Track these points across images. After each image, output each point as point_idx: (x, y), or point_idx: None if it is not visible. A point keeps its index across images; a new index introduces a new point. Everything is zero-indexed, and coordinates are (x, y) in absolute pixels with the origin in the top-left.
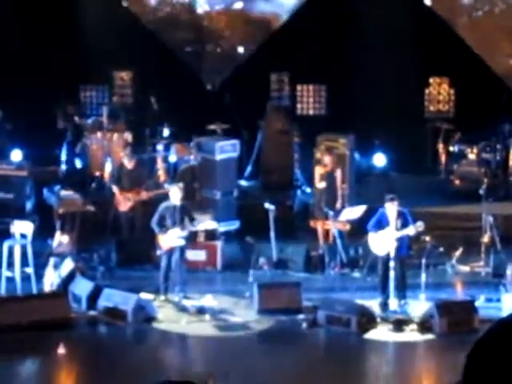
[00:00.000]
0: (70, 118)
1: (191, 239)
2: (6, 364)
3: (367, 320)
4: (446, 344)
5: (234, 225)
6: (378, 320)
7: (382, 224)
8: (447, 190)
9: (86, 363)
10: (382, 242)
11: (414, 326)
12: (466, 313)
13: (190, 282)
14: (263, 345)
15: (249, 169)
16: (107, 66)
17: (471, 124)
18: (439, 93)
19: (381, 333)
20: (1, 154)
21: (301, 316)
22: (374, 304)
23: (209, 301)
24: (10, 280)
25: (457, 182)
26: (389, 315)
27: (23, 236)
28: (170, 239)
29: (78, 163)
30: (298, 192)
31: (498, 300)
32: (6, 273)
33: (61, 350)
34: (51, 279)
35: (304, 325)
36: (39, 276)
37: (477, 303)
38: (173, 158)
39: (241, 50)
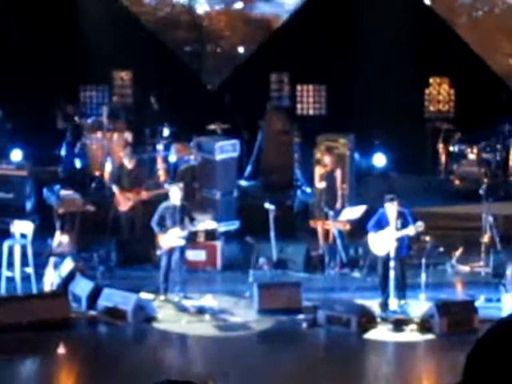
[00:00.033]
0: (70, 117)
1: (191, 239)
2: (6, 364)
3: (367, 320)
4: (446, 344)
5: (234, 225)
6: (378, 320)
7: (381, 224)
8: (447, 190)
9: (86, 363)
10: (382, 242)
11: (413, 326)
12: (465, 313)
13: (190, 282)
14: (263, 345)
15: (249, 169)
16: (107, 66)
17: (471, 124)
18: (439, 93)
19: (381, 333)
20: (1, 153)
21: (301, 316)
22: (374, 304)
23: (209, 301)
24: (10, 280)
25: (457, 182)
26: (389, 315)
27: (23, 236)
28: (170, 239)
29: (78, 163)
30: (298, 192)
31: (498, 300)
32: (5, 273)
33: (61, 350)
34: (51, 279)
35: (304, 325)
36: (39, 276)
37: (477, 303)
38: (173, 158)
39: (241, 50)
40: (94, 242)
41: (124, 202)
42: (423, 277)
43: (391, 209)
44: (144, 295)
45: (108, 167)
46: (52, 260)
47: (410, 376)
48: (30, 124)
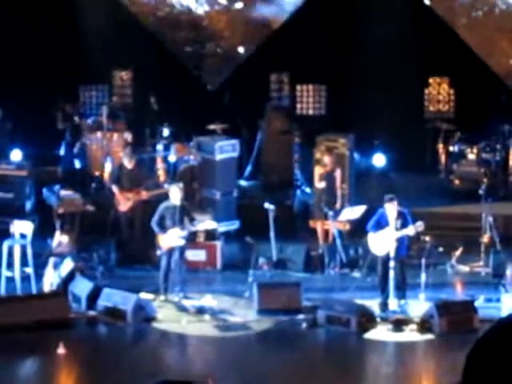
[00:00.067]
0: (69, 117)
1: (191, 239)
2: (6, 364)
3: (367, 320)
4: (446, 344)
5: (234, 225)
6: (378, 320)
7: (381, 224)
8: (447, 190)
9: (86, 363)
10: (382, 242)
11: (413, 326)
12: (465, 313)
13: (190, 282)
14: (263, 345)
15: (248, 169)
16: (107, 66)
17: (471, 124)
18: (439, 93)
19: (381, 333)
20: (1, 153)
21: (301, 316)
22: (373, 304)
23: (209, 301)
24: (10, 280)
25: (456, 182)
26: (388, 315)
27: (23, 236)
28: (169, 239)
29: (77, 163)
30: (298, 192)
31: (498, 300)
32: (5, 273)
33: (61, 350)
34: (51, 279)
35: (304, 325)
36: (39, 276)
37: (476, 303)
38: (172, 158)
39: (241, 50)
40: (93, 242)
41: (124, 202)
42: (423, 277)
43: (391, 209)
44: (144, 295)
45: (108, 167)
46: (52, 260)
47: (410, 376)
48: (30, 124)
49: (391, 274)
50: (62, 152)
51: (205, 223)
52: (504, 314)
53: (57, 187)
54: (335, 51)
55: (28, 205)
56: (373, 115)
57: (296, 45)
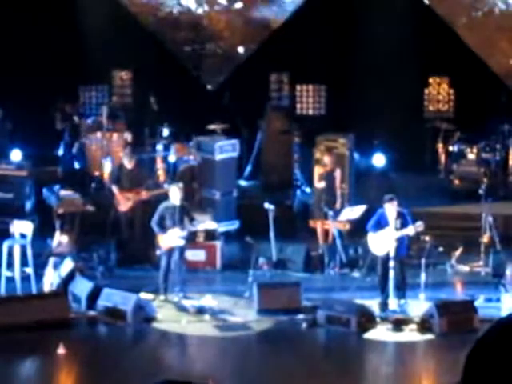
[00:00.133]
0: (68, 117)
1: (191, 239)
2: (6, 364)
3: (367, 320)
4: (446, 344)
5: (234, 225)
6: (378, 320)
7: (381, 224)
8: (447, 189)
9: (86, 363)
10: (382, 242)
11: (413, 326)
12: (465, 313)
13: (190, 282)
14: (263, 345)
15: (248, 169)
16: (107, 66)
17: (471, 124)
18: (439, 92)
19: (380, 333)
20: (1, 153)
21: (301, 316)
22: (373, 304)
23: (208, 301)
24: (10, 280)
25: (456, 181)
26: (388, 315)
27: (23, 236)
28: (169, 239)
29: (76, 163)
30: (298, 192)
31: (498, 300)
32: (5, 273)
33: (61, 350)
34: (51, 279)
35: (304, 325)
36: (39, 276)
37: (476, 303)
38: (172, 158)
39: (240, 50)
40: (93, 242)
41: (124, 202)
42: (423, 277)
43: (391, 209)
44: (144, 295)
45: (107, 167)
46: (52, 260)
47: (410, 376)
48: (30, 124)
49: (391, 273)
50: (60, 152)
51: (205, 223)
52: (504, 313)
53: (57, 187)
54: (335, 51)
55: (28, 205)
56: (373, 115)
57: (296, 45)
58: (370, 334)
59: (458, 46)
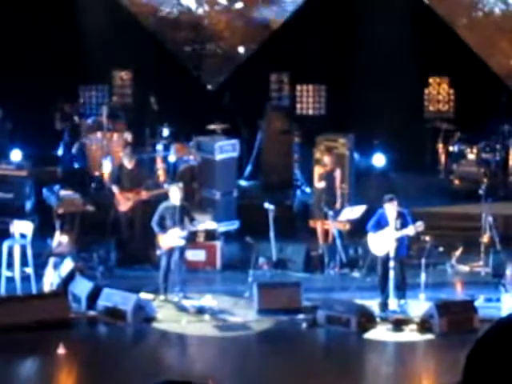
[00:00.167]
0: (68, 117)
1: (191, 239)
2: (6, 364)
3: (367, 320)
4: (446, 344)
5: (234, 225)
6: (378, 320)
7: (381, 224)
8: (447, 189)
9: (86, 363)
10: (382, 243)
11: (413, 326)
12: (465, 313)
13: (190, 282)
14: (263, 345)
15: (248, 169)
16: (107, 66)
17: (471, 124)
18: (439, 93)
19: (380, 333)
20: (1, 153)
21: (301, 316)
22: (373, 304)
23: (208, 301)
24: (10, 280)
25: (456, 181)
26: (388, 315)
27: (23, 236)
28: (170, 239)
29: (76, 163)
30: (298, 192)
31: (498, 300)
32: (5, 273)
33: (61, 350)
34: (51, 279)
35: (304, 325)
36: (39, 276)
37: (476, 303)
38: (172, 158)
39: (241, 50)
40: (93, 242)
41: (124, 202)
42: (423, 277)
43: (391, 209)
44: (144, 295)
45: (106, 167)
46: (52, 260)
47: (410, 376)
48: (30, 124)
49: (391, 273)
50: (60, 152)
51: (205, 223)
52: (504, 313)
53: (57, 187)
54: (335, 51)
55: (28, 205)
56: (373, 115)
57: (296, 45)
58: (370, 334)
59: (459, 46)
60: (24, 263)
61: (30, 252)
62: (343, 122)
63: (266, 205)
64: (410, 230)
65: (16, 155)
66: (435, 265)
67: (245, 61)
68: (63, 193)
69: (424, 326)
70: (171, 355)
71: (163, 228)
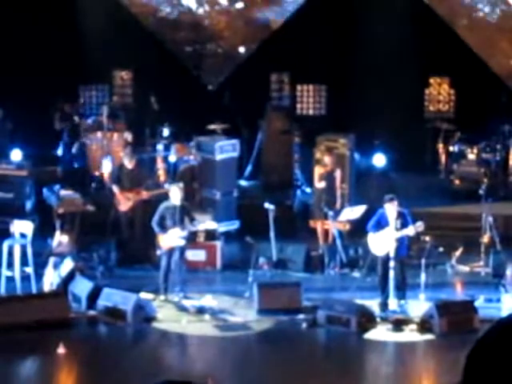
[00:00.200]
0: (68, 117)
1: (191, 239)
2: (6, 364)
3: (367, 320)
4: (446, 344)
5: (234, 225)
6: (378, 320)
7: (381, 224)
8: (447, 190)
9: (86, 363)
10: (382, 243)
11: (413, 326)
12: (465, 313)
13: (190, 282)
14: (263, 345)
15: (249, 169)
16: (107, 66)
17: (471, 124)
18: (439, 93)
19: (380, 333)
20: (1, 153)
21: (301, 316)
22: (373, 304)
23: (209, 301)
24: (10, 280)
25: (457, 182)
26: (388, 315)
27: (23, 236)
28: (170, 239)
29: (76, 163)
30: (298, 192)
31: (498, 300)
32: (5, 272)
33: (61, 350)
34: (51, 279)
35: (304, 325)
36: (39, 276)
37: (476, 303)
38: (173, 158)
39: (241, 50)
40: (93, 242)
41: (124, 202)
42: (423, 277)
43: (391, 209)
44: (144, 295)
45: (106, 167)
46: (52, 260)
47: (410, 376)
48: (30, 124)
49: (391, 274)
50: (59, 152)
51: (205, 223)
52: (504, 314)
53: (57, 187)
54: (335, 51)
55: (28, 205)
56: (373, 115)
57: (296, 45)
58: (370, 334)
59: (459, 47)
60: (24, 263)
61: (30, 252)
62: (343, 122)
63: (267, 205)
64: (410, 230)
65: (16, 155)
66: (435, 265)
67: (245, 61)
68: (63, 193)
69: (424, 326)
70: (171, 355)
71: (163, 228)
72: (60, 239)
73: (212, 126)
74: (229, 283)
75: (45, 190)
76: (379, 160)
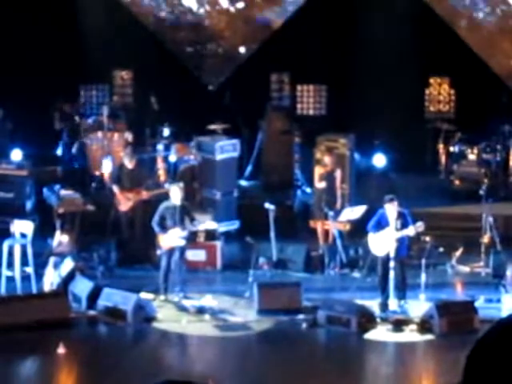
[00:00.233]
0: (68, 117)
1: (191, 239)
2: (6, 364)
3: (367, 320)
4: (446, 344)
5: (234, 225)
6: (378, 320)
7: (381, 225)
8: (447, 190)
9: (86, 363)
10: (382, 243)
11: (413, 327)
12: (465, 313)
13: (190, 282)
14: (263, 345)
15: (249, 169)
16: (107, 66)
17: (471, 124)
18: (439, 93)
19: (381, 333)
20: (1, 153)
21: (301, 316)
22: (373, 304)
23: (209, 301)
24: (10, 279)
25: (457, 182)
26: (389, 315)
27: (23, 235)
28: (170, 239)
29: (76, 163)
30: (298, 192)
31: (498, 300)
32: (5, 272)
33: (61, 350)
34: (51, 279)
35: (304, 325)
36: (39, 276)
37: (477, 304)
38: (173, 158)
39: (242, 50)
40: (94, 242)
41: (124, 202)
42: (423, 277)
43: (391, 209)
44: (144, 295)
45: (107, 167)
46: (52, 260)
47: (410, 376)
48: (30, 124)
49: (391, 274)
50: (59, 152)
51: (205, 223)
52: (504, 314)
53: (57, 187)
54: (335, 51)
55: (28, 204)
56: (373, 115)
57: (297, 45)
58: (370, 335)
59: (459, 47)
60: (24, 263)
61: (30, 251)
62: (344, 123)
63: (267, 205)
64: (411, 231)
65: (16, 155)
66: (435, 265)
67: (245, 61)
68: (63, 192)
69: (424, 326)
70: (171, 355)
71: (163, 228)
72: (60, 239)
73: (212, 126)
74: (229, 283)
75: (45, 190)
76: (379, 160)
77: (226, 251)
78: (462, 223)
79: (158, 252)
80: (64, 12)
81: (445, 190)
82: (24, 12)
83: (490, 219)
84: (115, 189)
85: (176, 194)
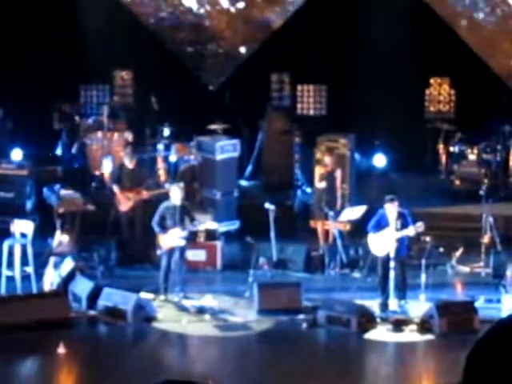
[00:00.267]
0: (67, 117)
1: (191, 239)
2: (6, 364)
3: (367, 320)
4: (446, 344)
5: (234, 225)
6: (378, 320)
7: (381, 225)
8: (447, 190)
9: (86, 363)
10: (382, 243)
11: (413, 327)
12: (465, 313)
13: (190, 282)
14: (263, 345)
15: (249, 169)
16: (108, 66)
17: (472, 124)
18: (440, 93)
19: (381, 333)
20: (1, 153)
21: (301, 316)
22: (373, 304)
23: (209, 301)
24: (10, 279)
25: (457, 182)
26: (389, 315)
27: (23, 235)
28: (170, 239)
29: (76, 163)
30: (299, 192)
31: (498, 301)
32: (6, 272)
33: (61, 350)
34: (51, 279)
35: (304, 325)
36: (39, 275)
37: (477, 304)
38: (173, 158)
39: (242, 50)
40: (94, 242)
41: (124, 202)
42: (423, 277)
43: (391, 209)
44: (144, 295)
45: (108, 167)
46: (52, 259)
47: (410, 376)
48: (31, 124)
49: (391, 274)
50: (58, 152)
51: (205, 223)
52: (504, 314)
53: (57, 187)
54: (336, 51)
55: (28, 204)
56: (373, 115)
57: (297, 45)
58: (370, 335)
59: (459, 47)
60: (24, 262)
61: (30, 251)
62: (344, 123)
63: (267, 205)
64: (411, 231)
65: (16, 155)
66: (435, 265)
67: (246, 61)
68: (64, 192)
69: (424, 326)
70: (171, 355)
71: (164, 228)
72: (60, 239)
73: (212, 126)
74: (229, 283)
75: (45, 190)
76: (379, 160)
77: (226, 251)
78: (462, 223)
79: (158, 252)
80: (64, 12)
81: (445, 190)
82: (24, 12)
83: (490, 219)
84: (115, 189)
85: (176, 193)
